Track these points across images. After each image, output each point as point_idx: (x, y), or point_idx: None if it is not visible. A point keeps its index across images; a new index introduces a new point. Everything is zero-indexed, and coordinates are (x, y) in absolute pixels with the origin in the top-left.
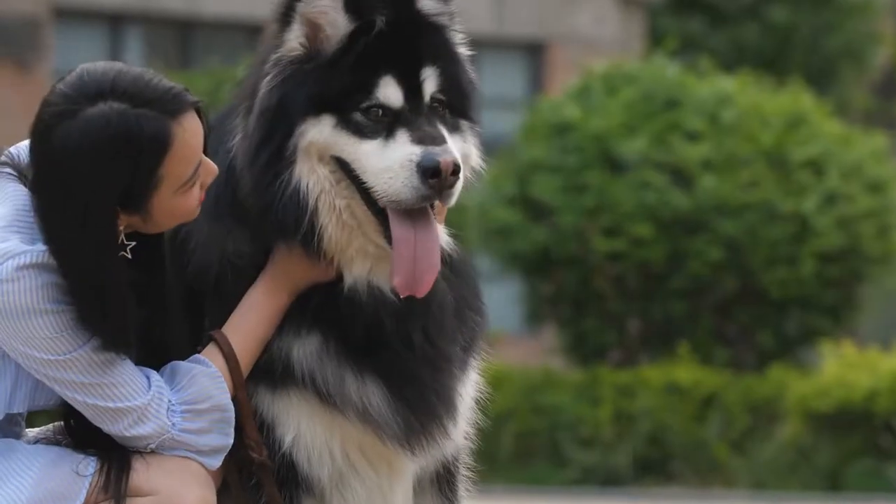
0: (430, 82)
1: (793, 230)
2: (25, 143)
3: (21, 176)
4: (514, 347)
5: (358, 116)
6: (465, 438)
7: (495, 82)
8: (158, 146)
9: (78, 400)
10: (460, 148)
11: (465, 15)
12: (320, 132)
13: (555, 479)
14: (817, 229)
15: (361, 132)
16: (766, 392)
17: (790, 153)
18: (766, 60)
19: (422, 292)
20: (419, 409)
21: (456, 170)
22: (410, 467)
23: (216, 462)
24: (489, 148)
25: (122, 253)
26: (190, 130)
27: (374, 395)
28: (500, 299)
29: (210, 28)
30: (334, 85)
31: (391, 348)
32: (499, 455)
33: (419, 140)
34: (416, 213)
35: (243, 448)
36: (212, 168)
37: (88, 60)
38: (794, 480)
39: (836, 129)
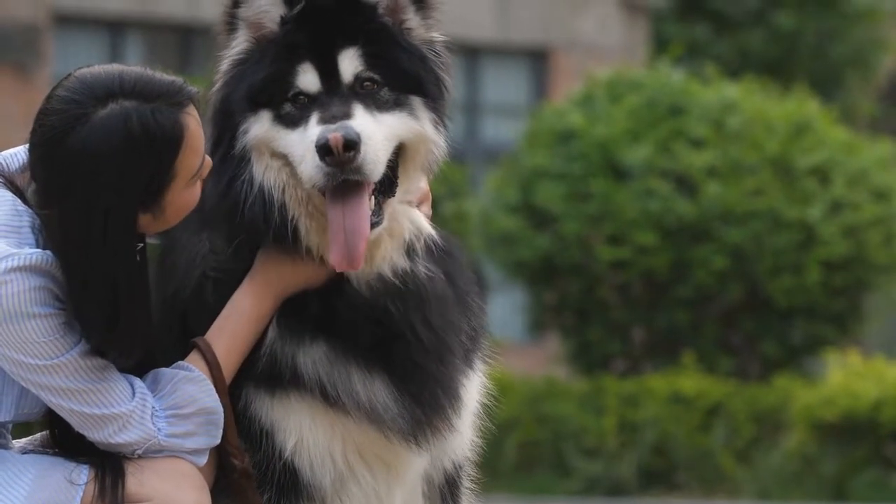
0: (350, 62)
1: (798, 238)
2: (14, 150)
3: (8, 183)
4: (517, 356)
5: (288, 107)
6: (470, 449)
7: (498, 89)
8: (176, 139)
9: (63, 406)
10: (394, 123)
11: (467, 22)
12: (260, 127)
13: (558, 489)
14: (823, 237)
15: (292, 122)
16: (772, 401)
17: (795, 160)
18: (771, 67)
19: (357, 264)
20: (424, 401)
21: (349, 145)
22: (412, 468)
23: (202, 459)
24: (492, 155)
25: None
26: (196, 120)
27: (380, 391)
28: (504, 308)
29: (210, 33)
30: (263, 78)
31: (396, 339)
32: (502, 465)
33: (322, 121)
34: (348, 190)
35: (225, 455)
36: (208, 161)
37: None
38: (800, 490)
39: (841, 136)
